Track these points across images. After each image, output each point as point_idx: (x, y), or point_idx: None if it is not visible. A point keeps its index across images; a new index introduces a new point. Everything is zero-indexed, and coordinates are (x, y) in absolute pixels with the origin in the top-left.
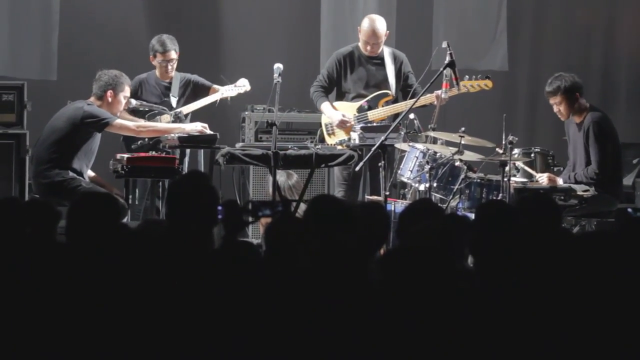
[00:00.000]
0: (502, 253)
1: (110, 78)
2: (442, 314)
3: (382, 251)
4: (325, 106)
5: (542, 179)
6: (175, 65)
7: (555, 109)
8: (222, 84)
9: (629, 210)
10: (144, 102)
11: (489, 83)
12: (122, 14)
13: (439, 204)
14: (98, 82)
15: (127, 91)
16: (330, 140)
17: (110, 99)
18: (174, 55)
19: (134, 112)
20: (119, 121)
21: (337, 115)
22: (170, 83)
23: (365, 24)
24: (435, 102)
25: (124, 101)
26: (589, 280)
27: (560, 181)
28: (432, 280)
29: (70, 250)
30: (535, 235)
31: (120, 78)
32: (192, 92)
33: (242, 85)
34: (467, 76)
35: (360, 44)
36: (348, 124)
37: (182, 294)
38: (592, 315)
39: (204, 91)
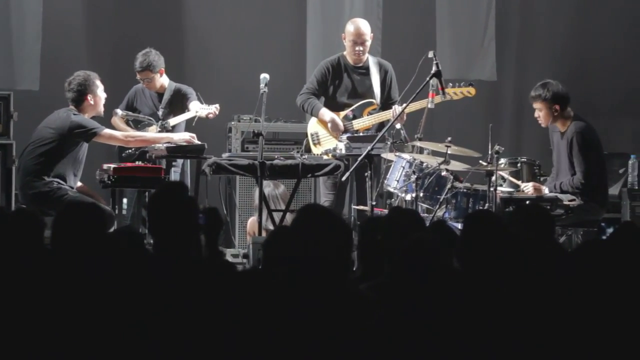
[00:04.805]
0: (491, 263)
1: (80, 84)
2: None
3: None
4: (323, 111)
5: (528, 188)
6: (154, 82)
7: (535, 113)
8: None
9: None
10: (130, 113)
11: (472, 90)
12: (106, 25)
13: (411, 208)
14: (70, 91)
15: (101, 86)
16: (316, 150)
17: (91, 102)
18: (144, 75)
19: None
20: (107, 131)
21: (334, 117)
22: (162, 94)
23: (349, 26)
24: (395, 116)
25: (103, 95)
26: (578, 290)
27: (545, 190)
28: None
29: (56, 259)
30: (528, 246)
31: (89, 79)
32: (181, 103)
33: (213, 108)
34: (450, 83)
35: (347, 50)
36: (340, 127)
37: (169, 304)
38: (582, 324)
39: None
